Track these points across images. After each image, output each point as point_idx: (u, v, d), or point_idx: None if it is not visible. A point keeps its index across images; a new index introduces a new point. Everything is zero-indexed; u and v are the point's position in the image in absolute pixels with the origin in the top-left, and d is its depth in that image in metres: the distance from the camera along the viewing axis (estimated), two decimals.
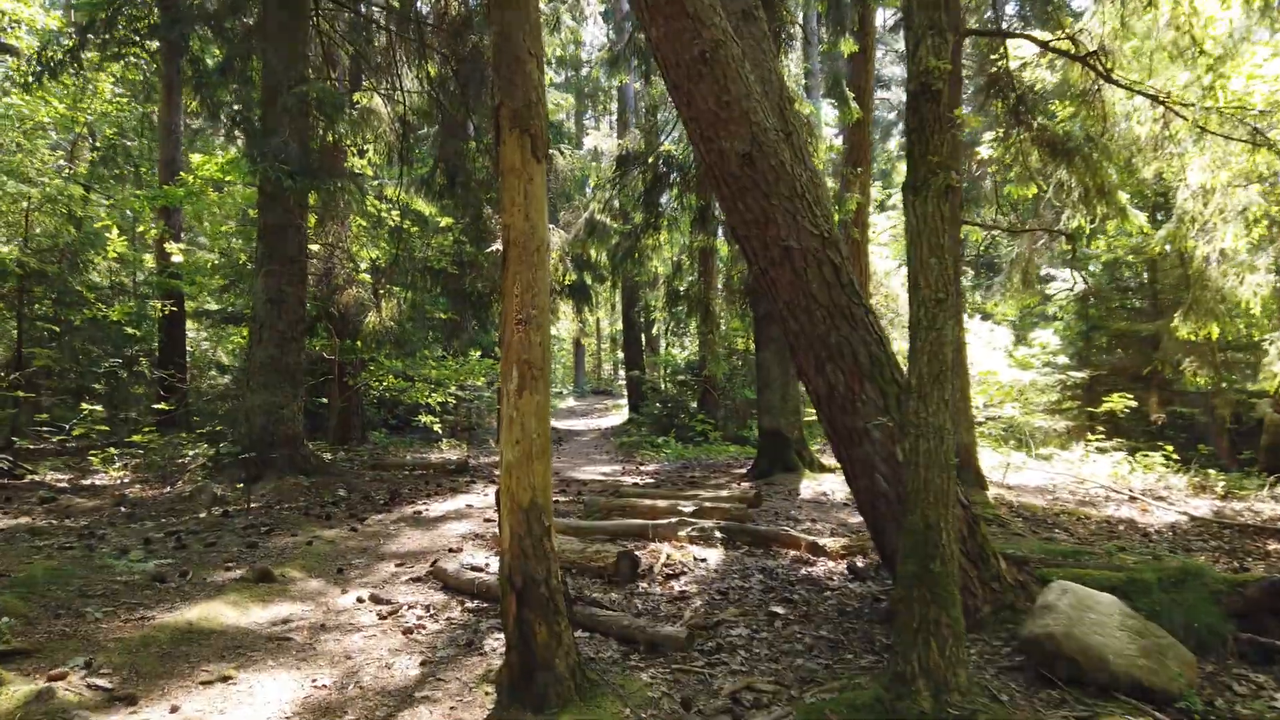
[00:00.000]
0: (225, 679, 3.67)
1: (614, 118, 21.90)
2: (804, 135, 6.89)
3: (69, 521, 6.85)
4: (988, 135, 10.53)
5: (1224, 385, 13.03)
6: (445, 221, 13.69)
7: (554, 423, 24.14)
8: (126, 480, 9.37)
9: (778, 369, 10.97)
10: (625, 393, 33.26)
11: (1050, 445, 13.04)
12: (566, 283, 12.81)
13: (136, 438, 10.17)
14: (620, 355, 45.67)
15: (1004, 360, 14.70)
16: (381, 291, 12.50)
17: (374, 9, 12.36)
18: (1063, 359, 14.84)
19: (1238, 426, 13.23)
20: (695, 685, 3.69)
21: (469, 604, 4.91)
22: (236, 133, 6.62)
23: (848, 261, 4.99)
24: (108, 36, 9.53)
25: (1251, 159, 8.93)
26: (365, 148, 13.17)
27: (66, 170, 14.34)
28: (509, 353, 3.86)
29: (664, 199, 13.10)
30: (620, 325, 37.84)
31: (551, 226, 12.20)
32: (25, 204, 12.69)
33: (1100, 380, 14.41)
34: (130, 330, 12.41)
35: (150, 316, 14.32)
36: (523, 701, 3.43)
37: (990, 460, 11.11)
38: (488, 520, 7.58)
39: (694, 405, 16.62)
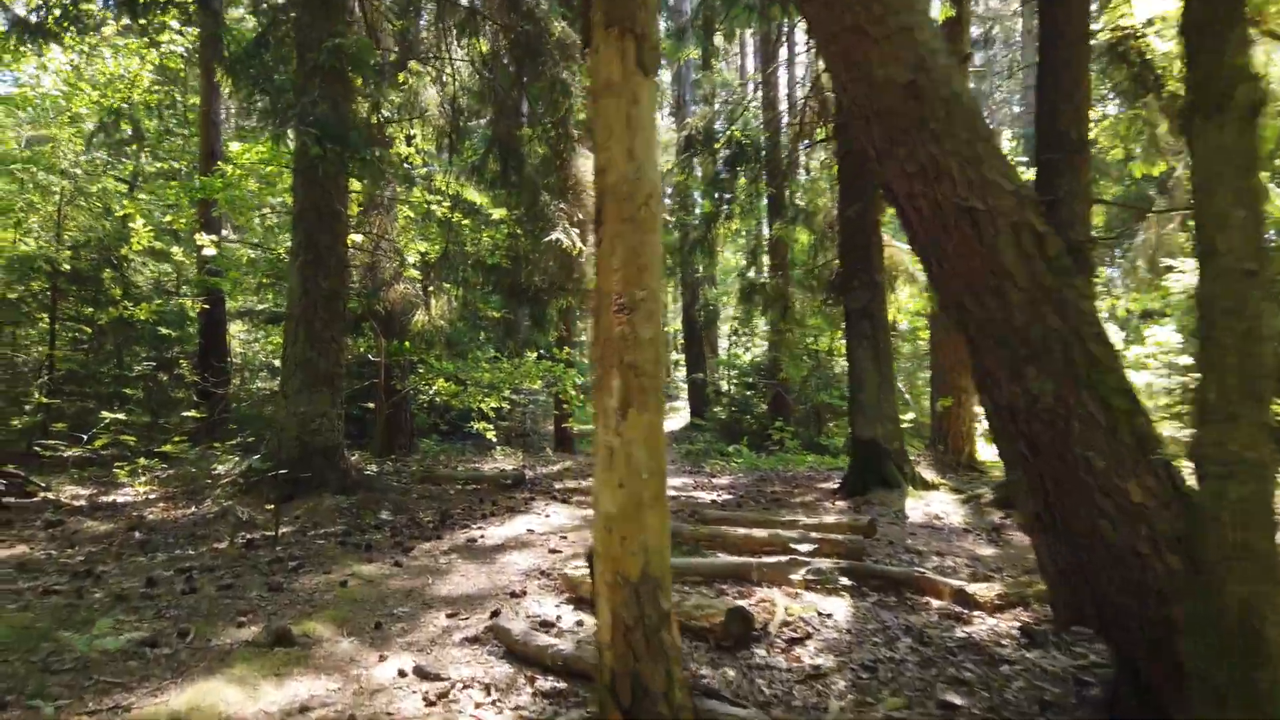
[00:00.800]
0: None
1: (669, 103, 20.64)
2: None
3: (71, 551, 5.89)
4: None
5: None
6: (498, 213, 12.64)
7: None
8: (151, 497, 8.45)
9: (873, 370, 9.66)
10: (677, 392, 32.06)
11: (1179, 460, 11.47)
12: None
13: (166, 448, 9.27)
14: (675, 356, 44.42)
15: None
16: (431, 288, 11.47)
17: None
18: (1185, 359, 13.19)
19: None
20: None
21: (541, 681, 3.75)
22: (257, 97, 5.60)
23: (1052, 229, 3.70)
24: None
25: None
26: (412, 133, 12.18)
27: (103, 162, 13.66)
28: (605, 352, 2.62)
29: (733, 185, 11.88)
30: (677, 324, 36.62)
31: None
32: (57, 197, 11.96)
33: None
34: (165, 331, 11.58)
35: (190, 316, 13.54)
36: None
37: None
38: (553, 551, 6.44)
39: (764, 409, 15.34)
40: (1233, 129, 2.59)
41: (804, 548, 5.76)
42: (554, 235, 9.45)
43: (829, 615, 4.70)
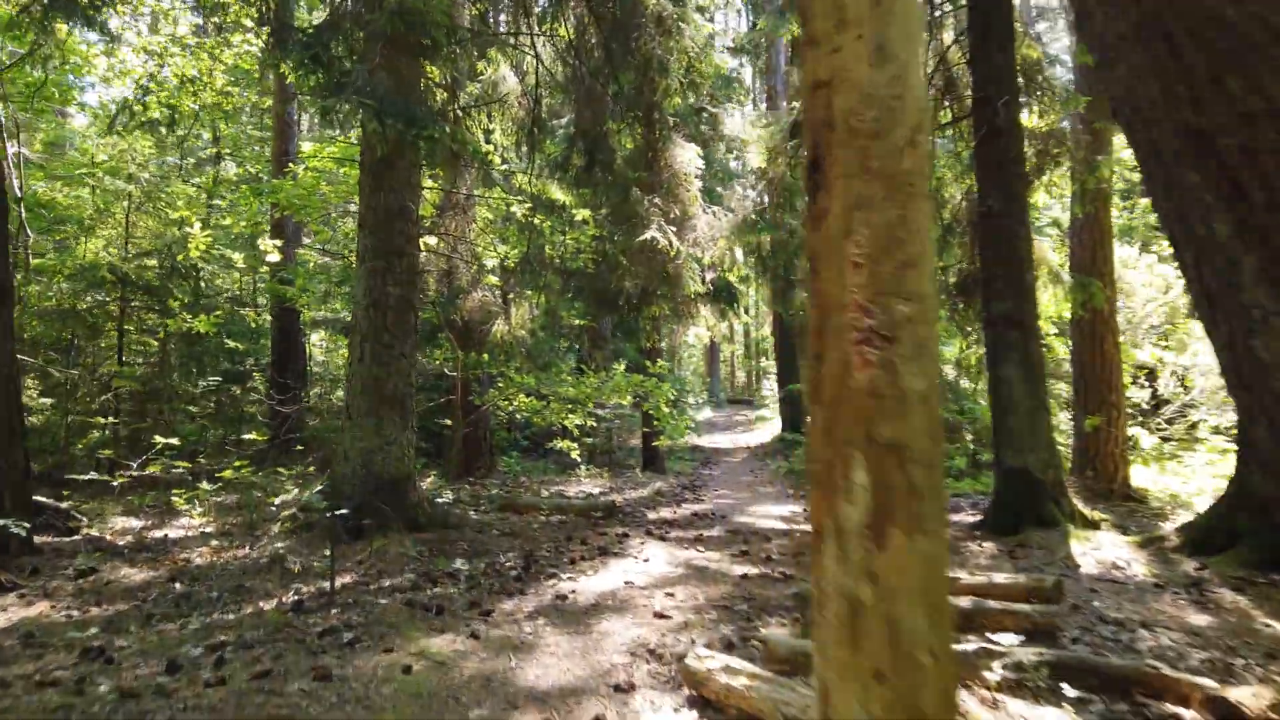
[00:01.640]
0: None
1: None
2: None
3: (95, 612, 4.99)
4: None
5: None
6: (582, 214, 11.58)
7: (694, 439, 21.79)
8: (206, 530, 7.63)
9: (1024, 387, 8.20)
10: (763, 402, 30.61)
11: None
12: (735, 277, 10.42)
13: (226, 473, 8.47)
14: (755, 362, 42.94)
15: None
16: (511, 295, 10.48)
17: None
18: None
19: None
20: None
21: None
22: (310, 68, 4.61)
23: None
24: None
25: None
26: (490, 128, 11.22)
27: (174, 167, 13.17)
28: (836, 418, 1.33)
29: None
30: (764, 329, 35.12)
31: (714, 209, 9.87)
32: (125, 204, 11.41)
33: None
34: (232, 344, 10.89)
35: (263, 327, 12.90)
36: None
37: None
38: (659, 616, 5.26)
39: None
40: None
41: (1002, 639, 4.44)
42: (648, 235, 8.31)
43: None
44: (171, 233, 11.38)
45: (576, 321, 12.83)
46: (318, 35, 7.67)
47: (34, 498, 7.45)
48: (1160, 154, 2.83)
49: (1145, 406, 13.17)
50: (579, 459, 12.27)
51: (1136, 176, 12.89)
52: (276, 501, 7.69)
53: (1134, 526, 8.60)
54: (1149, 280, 13.59)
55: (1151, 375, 13.48)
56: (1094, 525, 8.34)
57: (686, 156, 9.37)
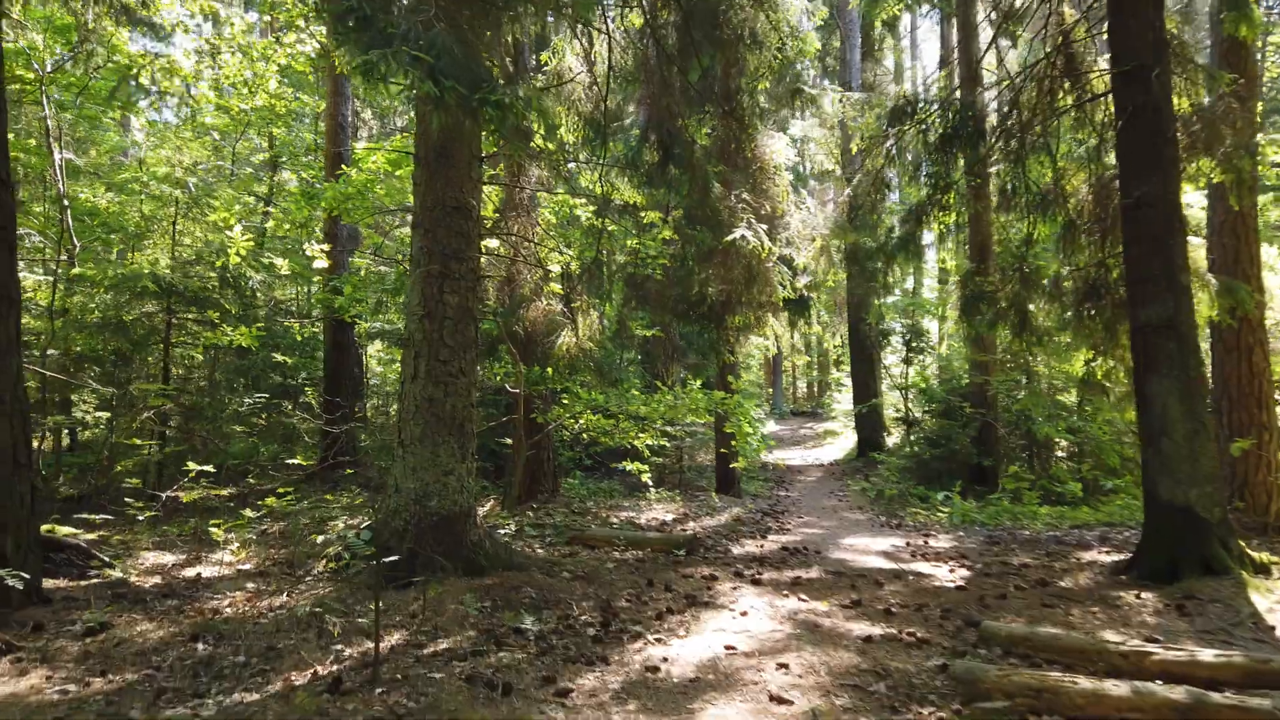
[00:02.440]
0: None
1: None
2: None
3: (97, 684, 4.14)
4: None
5: None
6: (652, 217, 10.57)
7: (763, 455, 20.60)
8: (244, 568, 6.81)
9: (1181, 409, 6.94)
10: (830, 414, 29.20)
11: None
12: (829, 281, 9.28)
13: (269, 501, 7.68)
14: (818, 374, 41.45)
15: None
16: (577, 304, 9.54)
17: None
18: None
19: None
20: None
21: None
22: (350, 25, 3.75)
23: None
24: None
25: None
26: (555, 124, 10.32)
27: (228, 173, 12.59)
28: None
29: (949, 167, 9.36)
30: (835, 339, 33.64)
31: (809, 204, 8.76)
32: (172, 209, 10.79)
33: None
34: (281, 358, 10.16)
35: (317, 339, 12.20)
36: None
37: None
38: (776, 699, 4.22)
39: (967, 444, 12.55)
40: None
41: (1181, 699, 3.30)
42: (736, 234, 7.28)
43: None
44: (217, 240, 10.74)
45: (643, 333, 11.80)
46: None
47: (55, 532, 6.74)
48: None
49: None
50: (649, 482, 11.26)
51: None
52: (319, 539, 6.83)
53: None
54: None
55: None
56: (1264, 570, 7.04)
57: (776, 146, 8.32)
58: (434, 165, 6.48)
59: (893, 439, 19.07)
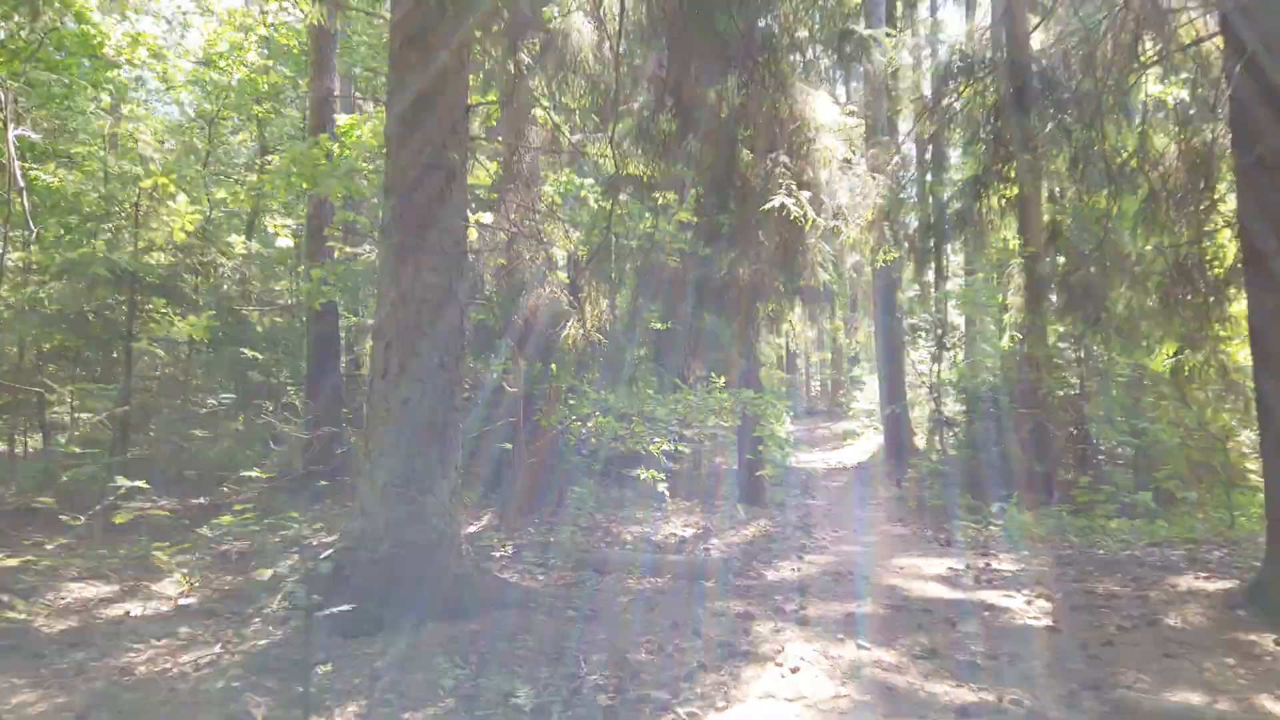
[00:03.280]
0: None
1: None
2: None
3: None
4: None
5: None
6: (667, 198, 9.36)
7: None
8: (190, 602, 5.65)
9: None
10: (850, 414, 27.95)
11: None
12: (883, 260, 8.08)
13: (225, 519, 6.52)
14: (836, 372, 40.12)
15: None
16: (585, 291, 8.34)
17: None
18: None
19: None
20: None
21: None
22: None
23: None
24: None
25: None
26: (558, 95, 9.13)
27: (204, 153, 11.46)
28: None
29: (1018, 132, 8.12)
30: (858, 335, 32.30)
31: (859, 172, 7.51)
32: (136, 190, 9.64)
33: None
34: (249, 353, 9.00)
35: (291, 330, 11.06)
36: None
37: None
38: None
39: (1023, 449, 11.29)
40: None
41: None
42: (775, 201, 6.09)
43: None
44: (188, 223, 9.60)
45: (658, 325, 10.57)
46: None
47: None
48: None
49: None
50: (665, 492, 10.07)
51: None
52: (277, 568, 5.66)
53: None
54: None
55: None
56: None
57: (818, 104, 7.11)
58: (409, 116, 5.31)
59: (918, 439, 17.86)
